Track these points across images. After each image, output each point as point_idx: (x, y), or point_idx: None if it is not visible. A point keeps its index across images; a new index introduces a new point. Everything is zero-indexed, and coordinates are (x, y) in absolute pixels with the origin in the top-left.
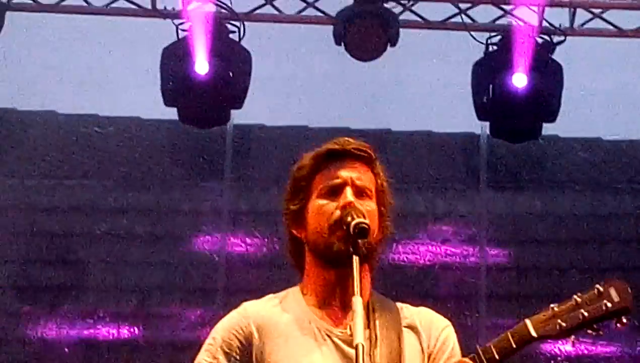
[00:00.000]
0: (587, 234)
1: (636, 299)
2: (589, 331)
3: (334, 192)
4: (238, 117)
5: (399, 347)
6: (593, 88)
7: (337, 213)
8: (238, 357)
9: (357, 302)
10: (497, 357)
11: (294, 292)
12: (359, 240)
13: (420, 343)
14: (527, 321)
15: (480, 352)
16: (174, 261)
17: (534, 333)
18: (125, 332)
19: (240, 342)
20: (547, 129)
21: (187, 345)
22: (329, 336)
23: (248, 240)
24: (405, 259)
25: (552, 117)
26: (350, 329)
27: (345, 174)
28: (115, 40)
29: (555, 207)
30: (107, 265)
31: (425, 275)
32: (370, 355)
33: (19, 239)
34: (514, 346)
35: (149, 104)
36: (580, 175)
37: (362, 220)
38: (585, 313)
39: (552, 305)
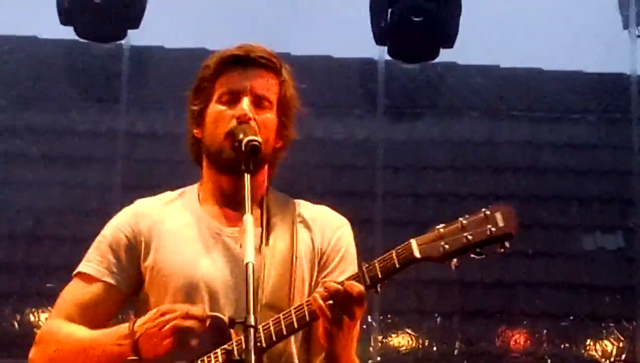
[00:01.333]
0: (483, 161)
1: (528, 227)
2: (472, 255)
3: (233, 98)
4: (135, 38)
5: (292, 244)
6: (491, 15)
7: (233, 123)
8: (126, 255)
9: (248, 220)
10: (379, 275)
11: (190, 191)
12: (251, 158)
13: (313, 241)
14: (413, 241)
15: (364, 270)
16: (69, 183)
17: (417, 254)
18: (19, 253)
19: (129, 239)
20: (445, 55)
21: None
22: (219, 235)
23: (145, 163)
24: (303, 184)
25: (449, 42)
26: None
27: (245, 81)
28: None
29: (452, 134)
30: (2, 186)
31: (321, 201)
32: (260, 252)
33: None
34: (397, 266)
35: (46, 22)
36: (478, 102)
37: (253, 137)
38: (470, 237)
39: (438, 227)
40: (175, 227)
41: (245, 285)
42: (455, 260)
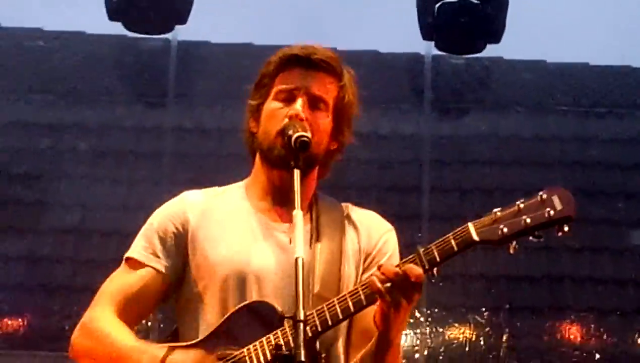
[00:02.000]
0: (530, 156)
1: (575, 222)
2: (531, 238)
3: (289, 97)
4: (182, 33)
5: (340, 244)
6: (538, 10)
7: (285, 121)
8: (173, 242)
9: (298, 215)
10: (438, 258)
11: (237, 186)
12: (300, 154)
13: (359, 242)
14: (470, 224)
15: (422, 253)
16: (116, 178)
17: (475, 237)
18: (69, 246)
19: (176, 227)
20: (492, 50)
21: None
22: (269, 229)
23: (192, 159)
24: (350, 179)
25: (496, 38)
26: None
27: (302, 81)
28: None
29: (498, 129)
30: (50, 181)
31: (368, 195)
32: (311, 248)
33: None
34: (456, 249)
35: (94, 18)
36: (524, 97)
37: (302, 133)
38: (528, 220)
39: (495, 210)
40: (224, 218)
41: (295, 280)
42: (514, 243)
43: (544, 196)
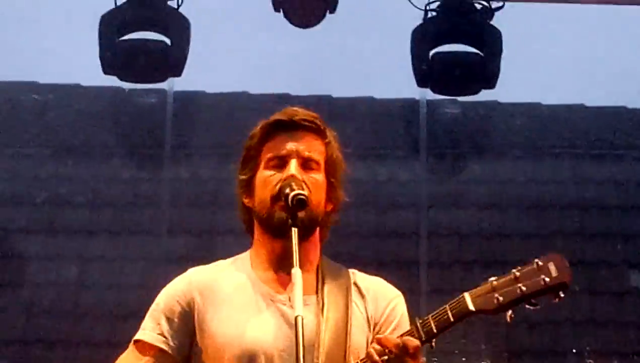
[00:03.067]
0: (527, 199)
1: (573, 264)
2: (527, 306)
3: (280, 163)
4: (178, 84)
5: (346, 313)
6: (532, 53)
7: (279, 186)
8: (180, 322)
9: (297, 274)
10: (434, 330)
11: (242, 258)
12: (298, 212)
13: (367, 311)
14: (466, 294)
15: (419, 325)
16: (115, 229)
17: (471, 307)
18: (67, 300)
19: (182, 307)
20: (487, 94)
21: (128, 313)
22: (272, 301)
23: (189, 208)
24: (348, 226)
25: (491, 83)
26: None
27: (291, 145)
28: (54, 5)
29: (495, 173)
30: (47, 234)
31: (366, 242)
32: (317, 320)
33: None
34: (452, 320)
35: (89, 70)
36: (520, 141)
37: (299, 191)
38: (524, 288)
39: (491, 279)
40: (229, 295)
41: (295, 339)
42: (510, 312)
43: (540, 263)
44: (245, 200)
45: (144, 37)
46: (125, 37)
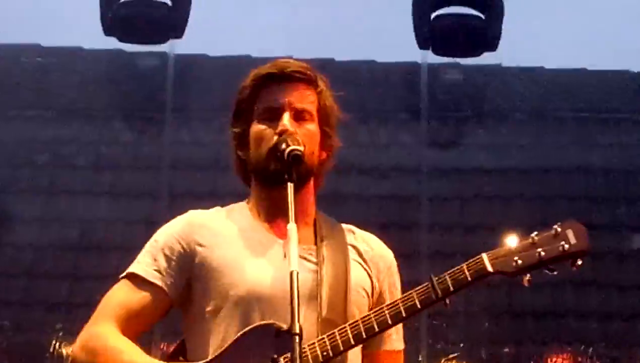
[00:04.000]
0: (530, 163)
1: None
2: (545, 271)
3: (272, 116)
4: (180, 47)
5: (345, 267)
6: (535, 17)
7: (274, 139)
8: (178, 261)
9: (292, 229)
10: (451, 288)
11: (240, 206)
12: (294, 167)
13: (367, 265)
14: (484, 255)
15: (435, 282)
16: (115, 192)
17: (490, 268)
18: (67, 262)
19: (183, 247)
20: (489, 58)
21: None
22: (277, 246)
23: (190, 171)
24: (348, 189)
25: (493, 46)
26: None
27: (283, 97)
28: None
29: (497, 137)
30: (48, 196)
31: (367, 205)
32: (318, 272)
33: None
34: (469, 279)
35: (91, 33)
36: (523, 105)
37: (295, 147)
38: (543, 253)
39: (507, 242)
40: (231, 237)
41: (290, 294)
42: (528, 276)
43: (559, 229)
44: (240, 153)
45: None
46: None
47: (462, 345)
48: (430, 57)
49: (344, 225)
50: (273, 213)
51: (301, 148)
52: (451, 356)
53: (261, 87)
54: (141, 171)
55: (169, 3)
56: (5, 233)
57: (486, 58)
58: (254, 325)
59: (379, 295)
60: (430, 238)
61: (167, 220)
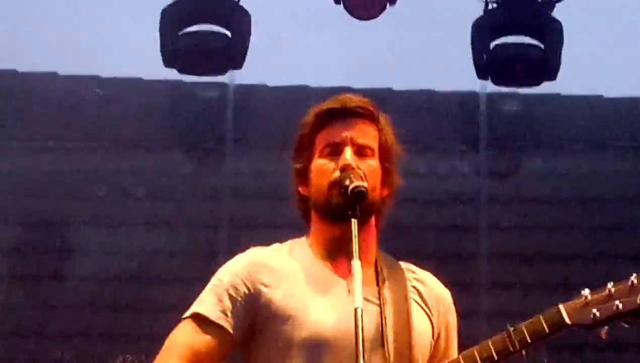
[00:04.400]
0: (589, 192)
1: (634, 258)
2: (623, 323)
3: (334, 151)
4: (239, 77)
5: (407, 306)
6: (594, 45)
7: (337, 174)
8: (243, 302)
9: (356, 265)
10: (529, 340)
11: (300, 243)
12: (357, 204)
13: (427, 307)
14: (561, 307)
15: (512, 332)
16: (175, 223)
17: (567, 321)
18: (128, 293)
19: (247, 287)
20: (548, 87)
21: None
22: (339, 286)
23: (250, 201)
24: (408, 220)
25: (552, 75)
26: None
27: (345, 132)
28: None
29: (556, 166)
30: (108, 228)
31: (426, 235)
32: (381, 314)
33: (20, 202)
34: (547, 331)
35: (150, 64)
36: (582, 134)
37: (359, 183)
38: (620, 305)
39: (584, 293)
40: (295, 275)
41: (355, 330)
42: (606, 328)
43: (635, 282)
44: (301, 189)
45: (205, 29)
46: (186, 30)
47: None
48: (489, 87)
49: (402, 264)
50: (334, 252)
51: (365, 184)
52: None
53: (323, 122)
54: (201, 202)
55: (229, 34)
56: (66, 265)
57: (545, 87)
58: None
59: (438, 336)
60: (489, 269)
61: (227, 251)
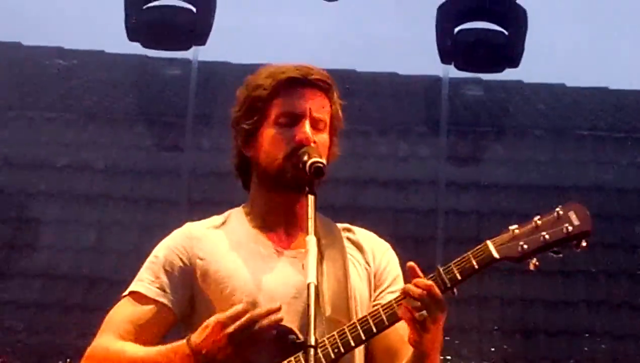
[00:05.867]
0: (547, 180)
1: (592, 246)
2: (550, 254)
3: (291, 122)
4: (203, 54)
5: (344, 265)
6: (558, 34)
7: (292, 145)
8: (180, 277)
9: (311, 242)
10: (459, 277)
11: (236, 213)
12: (315, 179)
13: (366, 262)
14: (489, 242)
15: (442, 271)
16: (134, 197)
17: (496, 255)
18: (84, 265)
19: (183, 261)
20: (511, 74)
21: None
22: (277, 256)
23: (210, 179)
24: (366, 201)
25: (515, 62)
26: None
27: (304, 104)
28: None
29: (516, 153)
30: (66, 199)
31: (384, 218)
32: (317, 272)
33: None
34: (476, 267)
35: (114, 38)
36: (543, 121)
37: (318, 159)
38: (547, 236)
39: (511, 227)
40: (232, 249)
41: (308, 306)
42: (534, 259)
43: (561, 212)
44: (244, 150)
45: (169, 4)
46: (151, 4)
47: (472, 362)
48: (452, 72)
49: (340, 225)
50: (272, 221)
51: (323, 161)
52: None
53: (281, 89)
54: (161, 177)
55: (194, 10)
56: (23, 236)
57: (508, 74)
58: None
59: (378, 281)
60: (446, 253)
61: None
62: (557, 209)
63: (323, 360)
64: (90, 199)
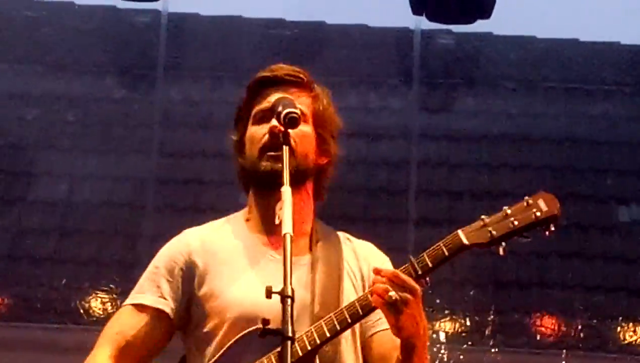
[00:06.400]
0: (518, 132)
1: (563, 198)
2: (519, 238)
3: (265, 117)
4: (173, 5)
5: (339, 268)
6: None
7: (266, 137)
8: (179, 284)
9: (286, 192)
10: (430, 264)
11: (236, 219)
12: (290, 130)
13: (361, 270)
14: (459, 231)
15: (414, 261)
16: (105, 148)
17: (465, 241)
18: (55, 217)
19: (182, 269)
20: (482, 25)
21: (115, 232)
22: (273, 262)
23: (180, 128)
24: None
25: (486, 13)
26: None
27: (272, 100)
28: None
29: (487, 104)
30: (36, 151)
31: (356, 169)
32: (312, 276)
33: None
34: (447, 254)
35: None
36: (514, 73)
37: (292, 109)
38: (516, 222)
39: (482, 217)
40: (229, 256)
41: (283, 255)
42: (503, 244)
43: (530, 201)
44: (240, 160)
45: None
46: None
47: (446, 311)
48: (423, 23)
49: (341, 234)
50: (270, 224)
51: (298, 111)
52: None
53: (256, 92)
54: (131, 128)
55: None
56: None
57: (479, 25)
58: (243, 332)
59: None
60: (418, 204)
61: (156, 178)
62: (527, 198)
63: (300, 351)
64: (60, 151)
